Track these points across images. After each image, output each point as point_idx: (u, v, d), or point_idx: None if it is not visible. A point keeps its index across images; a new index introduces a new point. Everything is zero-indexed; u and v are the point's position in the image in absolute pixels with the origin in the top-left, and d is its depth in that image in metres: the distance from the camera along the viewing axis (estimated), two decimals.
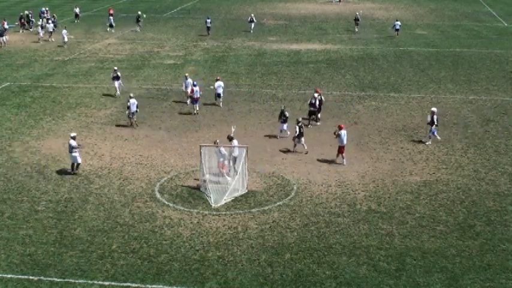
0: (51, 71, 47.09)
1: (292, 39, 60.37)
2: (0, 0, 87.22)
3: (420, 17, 75.67)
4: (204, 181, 25.71)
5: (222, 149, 26.54)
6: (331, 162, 29.11)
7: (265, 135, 32.79)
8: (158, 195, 25.42)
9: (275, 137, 32.51)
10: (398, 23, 62.51)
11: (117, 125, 34.41)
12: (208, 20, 62.39)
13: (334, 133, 29.27)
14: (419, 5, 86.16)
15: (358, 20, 65.60)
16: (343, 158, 28.95)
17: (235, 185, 25.50)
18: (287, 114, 32.30)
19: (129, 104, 33.68)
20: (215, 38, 60.36)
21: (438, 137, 31.66)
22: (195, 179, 26.82)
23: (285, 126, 32.29)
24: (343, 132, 28.78)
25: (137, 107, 33.94)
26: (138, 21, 64.99)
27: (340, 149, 28.98)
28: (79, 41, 58.96)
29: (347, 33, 64.04)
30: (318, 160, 29.38)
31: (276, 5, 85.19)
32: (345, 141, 28.87)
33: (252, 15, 67.01)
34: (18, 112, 36.87)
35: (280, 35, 62.55)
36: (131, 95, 34.45)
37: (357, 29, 65.07)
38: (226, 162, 26.65)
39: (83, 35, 62.21)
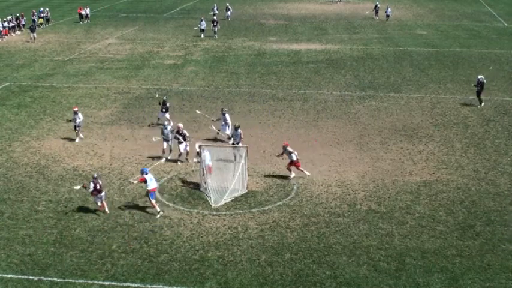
0: (51, 71, 47.10)
1: (292, 39, 60.38)
2: (0, 1, 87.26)
3: (420, 17, 75.69)
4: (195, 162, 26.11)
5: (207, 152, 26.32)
6: (331, 162, 29.12)
7: (150, 123, 34.59)
8: (158, 195, 25.41)
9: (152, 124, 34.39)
10: (389, 9, 71.94)
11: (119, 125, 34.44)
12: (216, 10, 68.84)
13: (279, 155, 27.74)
14: (419, 5, 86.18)
15: (377, 7, 73.08)
16: (302, 171, 27.17)
17: (235, 185, 25.51)
18: (168, 104, 34.03)
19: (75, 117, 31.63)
20: (215, 38, 60.34)
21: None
22: (184, 182, 26.85)
23: (167, 115, 33.54)
24: (290, 149, 27.05)
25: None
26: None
27: (294, 163, 27.01)
28: (79, 41, 59.03)
29: (347, 33, 64.08)
30: (319, 160, 29.43)
31: (276, 5, 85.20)
32: (294, 157, 26.91)
33: (228, 4, 72.85)
34: (18, 112, 36.88)
35: (280, 35, 62.56)
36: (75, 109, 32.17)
37: (376, 17, 72.52)
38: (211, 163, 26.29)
39: (83, 35, 62.25)
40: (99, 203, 23.86)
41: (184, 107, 37.89)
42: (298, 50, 55.38)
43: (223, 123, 31.90)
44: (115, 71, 47.11)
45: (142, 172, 23.94)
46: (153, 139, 29.67)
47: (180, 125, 29.34)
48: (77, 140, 31.71)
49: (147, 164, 28.71)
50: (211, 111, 36.62)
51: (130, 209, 24.24)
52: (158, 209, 23.71)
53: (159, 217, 23.40)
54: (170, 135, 29.25)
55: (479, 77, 38.54)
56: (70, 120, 32.29)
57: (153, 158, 29.43)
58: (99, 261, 20.46)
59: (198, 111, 34.37)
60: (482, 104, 38.15)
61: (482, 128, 34.30)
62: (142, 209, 24.25)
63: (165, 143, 29.26)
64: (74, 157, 29.63)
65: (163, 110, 33.97)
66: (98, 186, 23.53)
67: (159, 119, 34.42)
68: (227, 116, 31.96)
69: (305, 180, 26.99)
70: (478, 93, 38.33)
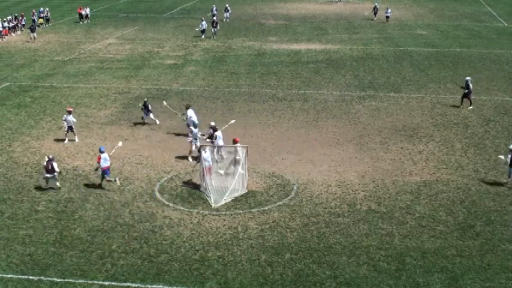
0: (51, 71, 47.10)
1: (292, 39, 60.38)
2: (0, 1, 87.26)
3: (420, 17, 75.69)
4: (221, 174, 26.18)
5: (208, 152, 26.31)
6: (331, 162, 29.12)
7: (135, 123, 34.80)
8: (158, 195, 25.42)
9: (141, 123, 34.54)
10: (389, 10, 71.36)
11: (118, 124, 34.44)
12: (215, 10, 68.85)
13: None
14: (419, 5, 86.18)
15: (376, 8, 72.70)
16: None
17: (235, 185, 25.51)
18: (150, 106, 34.20)
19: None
20: (214, 39, 60.34)
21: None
22: (184, 182, 26.86)
23: (151, 115, 34.20)
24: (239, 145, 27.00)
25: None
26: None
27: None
28: (79, 41, 59.03)
29: (347, 33, 64.08)
30: (318, 160, 29.42)
31: (276, 5, 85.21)
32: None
33: (227, 5, 72.52)
34: (18, 112, 36.88)
35: (280, 35, 62.56)
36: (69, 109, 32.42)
37: (375, 19, 71.59)
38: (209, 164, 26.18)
39: (83, 35, 62.26)
40: (46, 184, 25.97)
41: (184, 107, 37.84)
42: (298, 50, 55.38)
43: (189, 118, 31.91)
44: (115, 71, 47.12)
45: (101, 151, 26.06)
46: (187, 140, 29.96)
47: (212, 123, 29.70)
48: (76, 139, 31.70)
49: (146, 164, 28.74)
50: (211, 111, 36.69)
51: (131, 209, 24.26)
52: (114, 178, 26.13)
53: (116, 182, 26.05)
54: (198, 135, 29.45)
55: (467, 78, 38.37)
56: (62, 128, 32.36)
57: (181, 157, 29.61)
58: (99, 261, 20.45)
59: (165, 103, 35.07)
60: (470, 107, 37.68)
61: (482, 128, 34.30)
62: (142, 209, 24.26)
63: (194, 142, 29.45)
64: (74, 157, 29.63)
65: (146, 112, 34.25)
66: (50, 167, 25.55)
67: (143, 118, 34.66)
68: (190, 111, 32.05)
69: (305, 180, 27.00)
70: (466, 95, 37.85)
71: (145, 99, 35.10)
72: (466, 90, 37.65)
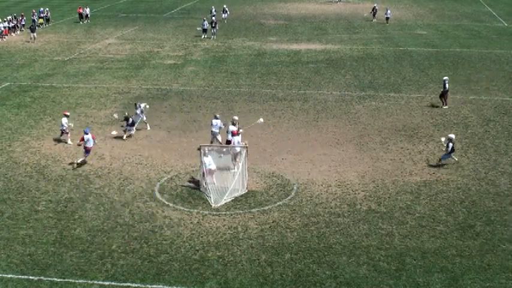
0: (51, 71, 47.11)
1: (292, 39, 60.39)
2: (0, 1, 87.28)
3: (420, 17, 75.70)
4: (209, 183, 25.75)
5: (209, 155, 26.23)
6: (331, 162, 29.12)
7: (115, 137, 32.01)
8: (158, 195, 25.43)
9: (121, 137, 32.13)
10: (389, 11, 70.55)
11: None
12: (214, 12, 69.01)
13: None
14: (419, 5, 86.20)
15: (375, 9, 71.88)
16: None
17: (235, 185, 25.51)
18: (131, 120, 32.19)
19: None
20: (214, 39, 60.35)
21: None
22: (189, 181, 26.87)
23: (133, 129, 32.36)
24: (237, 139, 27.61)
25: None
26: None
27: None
28: (79, 41, 59.04)
29: (347, 33, 64.08)
30: (318, 160, 29.42)
31: (276, 5, 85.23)
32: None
33: (224, 6, 72.14)
34: (18, 112, 36.88)
35: (280, 35, 62.56)
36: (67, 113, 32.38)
37: (374, 20, 70.85)
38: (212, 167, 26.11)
39: (83, 35, 62.26)
40: None
41: (184, 107, 37.90)
42: (298, 50, 55.39)
43: (140, 116, 33.11)
44: (115, 71, 47.12)
45: (85, 133, 28.24)
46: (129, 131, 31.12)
47: (235, 117, 29.86)
48: (68, 141, 31.48)
49: (146, 164, 28.75)
50: (211, 111, 36.62)
51: (131, 209, 24.26)
52: (79, 161, 28.27)
53: (74, 166, 28.18)
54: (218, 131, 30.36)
55: (444, 78, 38.30)
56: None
57: (180, 156, 29.46)
58: (99, 261, 20.46)
59: (116, 115, 33.74)
60: (445, 106, 37.62)
61: (482, 128, 34.30)
62: (142, 209, 24.26)
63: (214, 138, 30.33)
64: (74, 157, 29.61)
65: (127, 125, 32.32)
66: None
67: (125, 131, 32.59)
68: (140, 110, 33.04)
69: (305, 180, 27.01)
70: (443, 94, 37.69)
71: (127, 113, 33.12)
72: (444, 90, 37.62)
